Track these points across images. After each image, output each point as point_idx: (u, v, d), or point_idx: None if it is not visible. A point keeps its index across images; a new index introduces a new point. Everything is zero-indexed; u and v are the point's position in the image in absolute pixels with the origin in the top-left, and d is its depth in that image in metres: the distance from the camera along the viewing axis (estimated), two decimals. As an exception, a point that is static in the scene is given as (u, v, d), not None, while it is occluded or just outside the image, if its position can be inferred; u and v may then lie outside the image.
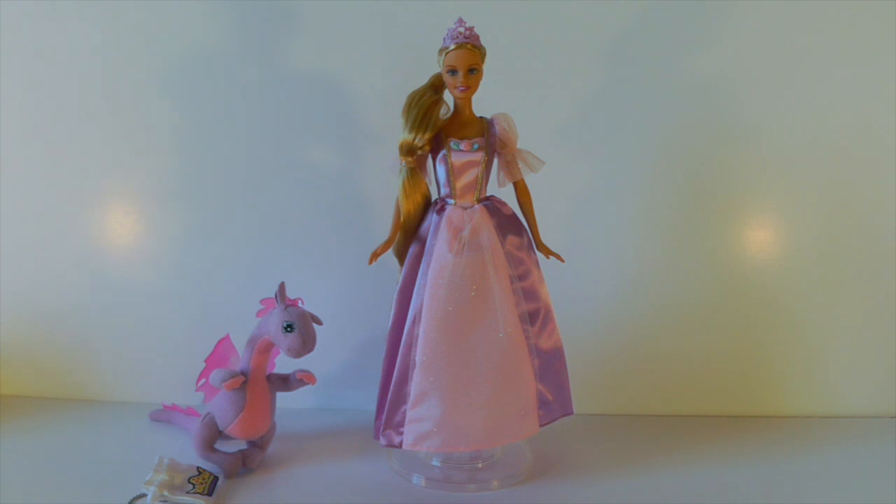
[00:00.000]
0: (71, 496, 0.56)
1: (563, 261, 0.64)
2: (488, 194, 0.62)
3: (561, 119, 0.76)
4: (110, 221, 0.78)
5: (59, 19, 0.75)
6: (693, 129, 0.76)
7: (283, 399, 0.65)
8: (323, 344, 0.61)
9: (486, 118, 0.62)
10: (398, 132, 0.60)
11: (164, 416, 0.72)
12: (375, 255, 0.62)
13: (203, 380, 0.62)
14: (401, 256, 0.64)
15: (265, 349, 0.61)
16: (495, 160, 0.63)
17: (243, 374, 0.61)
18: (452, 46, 0.58)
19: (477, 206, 0.61)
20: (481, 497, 0.59)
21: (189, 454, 0.61)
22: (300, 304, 0.61)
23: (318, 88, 0.76)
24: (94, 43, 0.75)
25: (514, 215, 0.63)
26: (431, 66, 0.61)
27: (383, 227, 0.63)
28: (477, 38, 0.59)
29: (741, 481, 0.62)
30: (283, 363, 0.65)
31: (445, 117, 0.61)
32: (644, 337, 0.78)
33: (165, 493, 0.55)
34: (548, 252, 0.64)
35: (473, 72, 0.59)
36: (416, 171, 0.61)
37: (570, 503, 0.58)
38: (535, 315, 0.61)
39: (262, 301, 0.62)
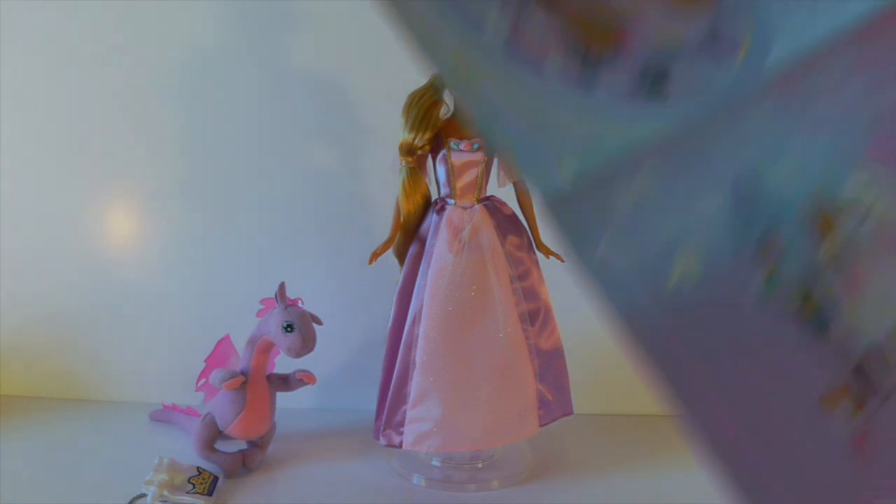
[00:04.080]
0: (71, 496, 0.56)
1: (563, 261, 0.64)
2: (488, 194, 0.63)
3: (561, 119, 0.76)
4: (111, 222, 0.78)
5: (59, 19, 0.75)
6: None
7: (283, 399, 0.65)
8: (323, 344, 0.61)
9: (486, 118, 0.62)
10: (398, 132, 0.60)
11: (164, 416, 0.72)
12: (375, 255, 0.62)
13: (203, 380, 0.62)
14: (401, 256, 0.64)
15: (265, 349, 0.61)
16: (495, 160, 0.63)
17: (243, 374, 0.61)
18: (452, 46, 0.58)
19: (477, 206, 0.61)
20: (481, 497, 0.59)
21: (189, 454, 0.61)
22: (300, 304, 0.61)
23: (319, 88, 0.76)
24: (95, 43, 0.75)
25: (514, 215, 0.63)
26: (431, 66, 0.61)
27: (383, 227, 0.63)
28: (477, 38, 0.59)
29: (741, 481, 0.62)
30: (283, 363, 0.65)
31: (445, 117, 0.61)
32: (644, 337, 0.78)
33: (165, 493, 0.55)
34: (548, 252, 0.64)
35: (473, 72, 0.59)
36: (416, 171, 0.61)
37: (570, 503, 0.58)
38: (535, 315, 0.61)
39: (262, 301, 0.62)
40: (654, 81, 0.26)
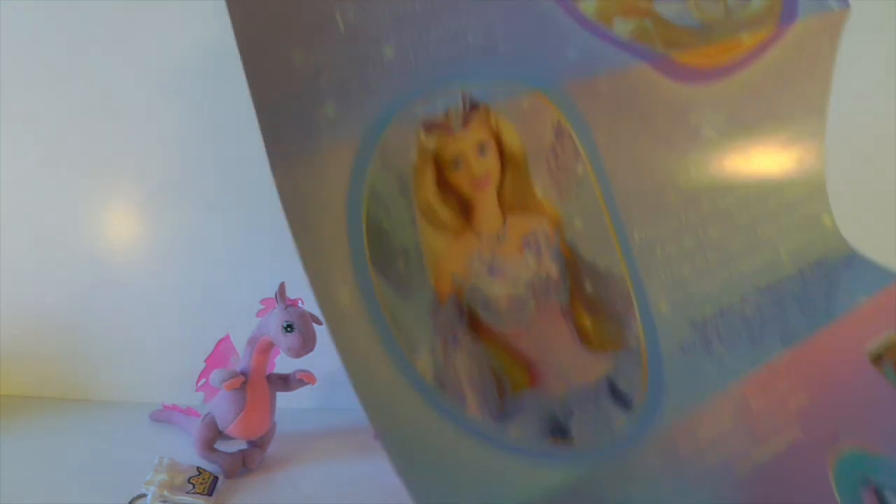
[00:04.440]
0: (71, 496, 0.56)
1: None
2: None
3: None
4: (110, 221, 0.78)
5: (57, 18, 0.75)
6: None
7: (283, 399, 0.65)
8: (323, 344, 0.61)
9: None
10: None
11: (164, 416, 0.72)
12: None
13: (203, 380, 0.62)
14: (401, 256, 0.64)
15: (265, 349, 0.61)
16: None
17: (243, 374, 0.61)
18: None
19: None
20: (481, 497, 0.59)
21: (189, 454, 0.61)
22: (300, 304, 0.61)
23: (318, 88, 0.75)
24: (94, 41, 0.75)
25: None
26: (431, 66, 0.61)
27: (383, 227, 0.63)
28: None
29: (741, 481, 0.62)
30: (283, 363, 0.65)
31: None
32: (644, 337, 0.78)
33: (165, 493, 0.55)
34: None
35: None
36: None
37: (571, 503, 0.58)
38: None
39: (262, 301, 0.62)
40: (559, 428, 0.28)
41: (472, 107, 0.27)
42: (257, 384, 0.62)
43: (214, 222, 0.78)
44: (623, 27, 0.29)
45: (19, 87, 0.76)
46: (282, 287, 0.60)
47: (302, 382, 0.64)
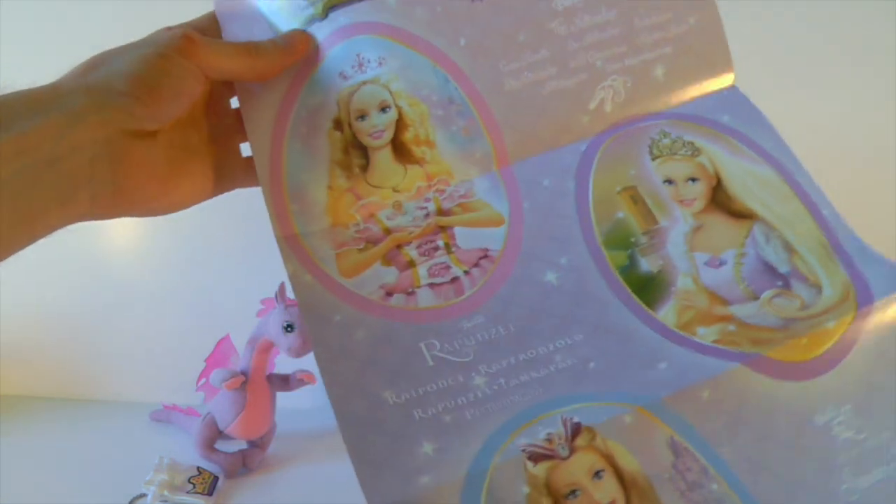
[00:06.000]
0: (71, 496, 0.56)
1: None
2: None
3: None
4: (110, 221, 0.78)
5: (59, 17, 0.75)
6: (693, 130, 0.76)
7: (283, 399, 0.65)
8: (323, 344, 0.61)
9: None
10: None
11: (164, 416, 0.72)
12: (375, 256, 0.62)
13: (203, 380, 0.62)
14: (401, 257, 0.64)
15: (265, 349, 0.61)
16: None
17: (243, 374, 0.61)
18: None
19: (477, 207, 0.61)
20: (481, 497, 0.59)
21: (189, 454, 0.61)
22: (300, 304, 0.61)
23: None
24: (95, 40, 0.75)
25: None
26: (431, 66, 0.61)
27: (383, 227, 0.63)
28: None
29: (741, 481, 0.62)
30: (283, 363, 0.65)
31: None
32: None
33: (165, 492, 0.55)
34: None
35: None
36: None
37: (570, 503, 0.58)
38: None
39: (262, 301, 0.62)
40: None
41: (575, 430, 0.26)
42: (257, 384, 0.62)
43: (215, 222, 0.78)
44: (707, 335, 0.28)
45: (20, 87, 0.75)
46: (282, 287, 0.60)
47: (302, 382, 0.64)
